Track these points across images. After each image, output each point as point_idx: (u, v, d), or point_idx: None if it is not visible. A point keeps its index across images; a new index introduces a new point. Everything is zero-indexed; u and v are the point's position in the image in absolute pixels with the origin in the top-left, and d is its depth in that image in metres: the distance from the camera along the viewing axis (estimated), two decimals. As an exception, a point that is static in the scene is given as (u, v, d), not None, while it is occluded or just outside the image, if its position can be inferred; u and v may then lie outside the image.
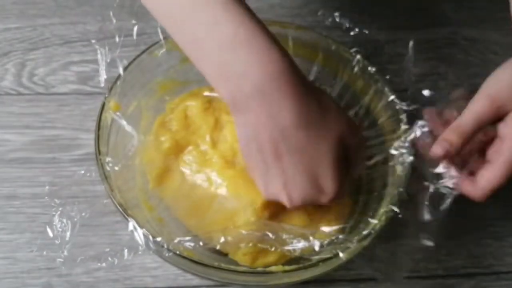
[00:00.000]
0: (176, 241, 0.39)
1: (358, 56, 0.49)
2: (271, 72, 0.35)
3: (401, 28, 0.63)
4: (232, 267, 0.39)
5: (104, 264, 0.46)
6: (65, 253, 0.46)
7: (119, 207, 0.40)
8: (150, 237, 0.38)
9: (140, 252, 0.45)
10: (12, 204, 0.48)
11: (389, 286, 0.47)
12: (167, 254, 0.39)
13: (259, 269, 0.40)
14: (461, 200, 0.52)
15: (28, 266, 0.46)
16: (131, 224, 0.39)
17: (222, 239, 0.39)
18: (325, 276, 0.46)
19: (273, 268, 0.40)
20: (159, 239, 0.38)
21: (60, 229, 0.47)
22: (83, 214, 0.48)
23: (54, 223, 0.47)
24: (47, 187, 0.49)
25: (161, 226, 0.44)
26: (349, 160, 0.39)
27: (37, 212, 0.48)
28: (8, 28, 0.59)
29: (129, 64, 0.46)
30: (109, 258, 0.46)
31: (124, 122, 0.45)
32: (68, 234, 0.47)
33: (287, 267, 0.39)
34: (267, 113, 0.35)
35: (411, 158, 0.43)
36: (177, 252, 0.38)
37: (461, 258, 0.49)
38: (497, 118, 0.41)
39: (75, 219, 0.48)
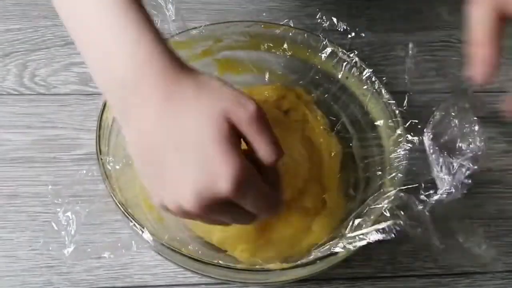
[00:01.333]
0: (175, 239, 0.39)
1: (355, 59, 0.50)
2: (141, 61, 0.32)
3: (397, 31, 0.64)
4: (231, 264, 0.39)
5: (104, 262, 0.46)
6: (66, 251, 0.47)
7: (119, 206, 0.40)
8: (150, 236, 0.39)
9: (140, 250, 0.46)
10: (13, 203, 0.49)
11: (386, 284, 0.48)
12: (166, 252, 0.39)
13: (258, 267, 0.41)
14: (456, 199, 0.53)
15: (28, 264, 0.46)
16: (131, 222, 0.39)
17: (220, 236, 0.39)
18: (323, 274, 0.47)
19: (271, 266, 0.40)
20: (159, 237, 0.39)
21: (61, 228, 0.48)
22: (83, 212, 0.49)
23: (55, 221, 0.48)
24: (48, 187, 0.50)
25: (161, 225, 0.44)
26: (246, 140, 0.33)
27: (38, 211, 0.48)
28: (9, 29, 0.60)
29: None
30: (109, 256, 0.47)
31: None
32: (68, 232, 0.48)
33: (285, 265, 0.40)
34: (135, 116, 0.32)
35: (406, 161, 0.43)
36: (177, 250, 0.38)
37: (457, 257, 0.49)
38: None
39: (76, 218, 0.48)
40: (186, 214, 0.32)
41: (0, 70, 0.57)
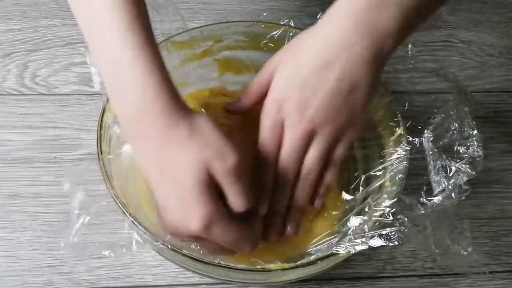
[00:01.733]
0: (176, 239, 0.39)
1: None
2: (147, 99, 0.36)
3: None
4: (231, 264, 0.39)
5: (105, 262, 0.46)
6: (67, 251, 0.47)
7: (120, 206, 0.40)
8: (151, 235, 0.39)
9: (141, 250, 0.46)
10: (15, 203, 0.49)
11: (387, 284, 0.48)
12: (167, 252, 0.39)
13: (258, 267, 0.41)
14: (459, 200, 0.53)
15: (29, 264, 0.46)
16: (132, 222, 0.39)
17: None
18: (323, 274, 0.47)
19: (271, 266, 0.40)
20: (160, 237, 0.39)
21: (62, 228, 0.48)
22: (84, 213, 0.49)
23: (56, 221, 0.48)
24: (49, 186, 0.50)
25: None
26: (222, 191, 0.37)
27: (39, 211, 0.49)
28: (10, 29, 0.60)
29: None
30: (110, 256, 0.47)
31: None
32: (69, 232, 0.48)
33: (286, 265, 0.40)
34: (141, 138, 0.37)
35: (406, 161, 0.43)
36: (177, 250, 0.38)
37: (450, 260, 0.49)
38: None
39: (77, 218, 0.48)
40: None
41: (0, 71, 0.57)
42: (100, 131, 0.43)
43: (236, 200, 0.37)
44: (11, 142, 0.52)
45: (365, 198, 0.46)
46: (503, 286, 0.49)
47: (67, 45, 0.59)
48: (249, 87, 0.43)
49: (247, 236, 0.38)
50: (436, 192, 0.40)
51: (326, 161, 0.41)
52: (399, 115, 0.46)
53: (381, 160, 0.47)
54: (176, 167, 0.36)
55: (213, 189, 0.36)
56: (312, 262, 0.39)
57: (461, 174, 0.40)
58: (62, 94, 0.56)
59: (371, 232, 0.40)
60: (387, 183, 0.44)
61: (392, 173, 0.44)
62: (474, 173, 0.40)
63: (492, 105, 0.59)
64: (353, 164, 0.50)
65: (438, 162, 0.41)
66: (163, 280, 0.46)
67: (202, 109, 0.47)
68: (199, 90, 0.50)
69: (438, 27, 0.65)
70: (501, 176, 0.55)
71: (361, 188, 0.47)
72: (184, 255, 0.38)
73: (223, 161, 0.36)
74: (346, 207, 0.46)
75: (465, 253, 0.38)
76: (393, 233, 0.38)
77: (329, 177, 0.42)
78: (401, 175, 0.43)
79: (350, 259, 0.46)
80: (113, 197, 0.41)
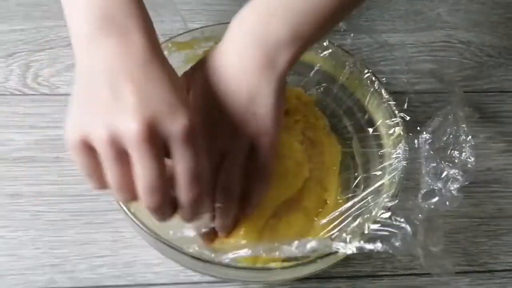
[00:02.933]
0: (177, 236, 0.40)
1: (355, 58, 0.50)
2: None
3: (397, 31, 0.64)
4: (232, 263, 0.39)
5: (107, 261, 0.47)
6: (69, 250, 0.47)
7: (121, 205, 0.40)
8: (152, 232, 0.39)
9: (143, 249, 0.46)
10: (17, 202, 0.49)
11: (386, 283, 0.48)
12: (168, 250, 0.40)
13: (258, 265, 0.41)
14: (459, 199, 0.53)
15: (32, 263, 0.46)
16: (133, 221, 0.40)
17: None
18: (323, 273, 0.47)
19: (271, 265, 0.40)
20: (161, 235, 0.39)
21: (66, 226, 0.48)
22: (86, 212, 0.49)
23: (58, 220, 0.49)
24: (51, 186, 0.50)
25: (164, 223, 0.45)
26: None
27: (41, 210, 0.49)
28: (13, 29, 0.60)
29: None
30: (112, 255, 0.47)
31: None
32: (71, 231, 0.48)
33: (285, 264, 0.40)
34: (119, 44, 0.34)
35: (406, 161, 0.44)
36: (177, 249, 0.39)
37: (456, 256, 0.50)
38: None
39: (79, 217, 0.49)
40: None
41: (3, 71, 0.57)
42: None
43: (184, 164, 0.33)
44: (13, 142, 0.53)
45: (364, 198, 0.46)
46: (502, 285, 0.49)
47: (70, 45, 0.58)
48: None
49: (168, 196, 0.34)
50: (423, 192, 0.41)
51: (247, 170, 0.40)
52: (399, 115, 0.46)
53: (381, 160, 0.47)
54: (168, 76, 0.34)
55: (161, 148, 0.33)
56: (312, 261, 0.40)
57: (452, 181, 0.40)
58: (64, 94, 0.56)
59: (368, 235, 0.40)
60: (387, 183, 0.45)
61: (391, 173, 0.45)
62: (467, 182, 0.40)
63: (491, 105, 0.60)
64: (353, 164, 0.51)
65: (431, 165, 0.41)
66: (164, 279, 0.46)
67: None
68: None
69: (438, 27, 0.65)
70: (500, 175, 0.55)
71: (361, 188, 0.48)
72: (184, 253, 0.39)
73: (174, 121, 0.32)
74: (347, 206, 0.47)
75: (434, 249, 0.39)
76: (390, 235, 0.39)
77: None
78: (400, 174, 0.44)
79: (349, 258, 0.47)
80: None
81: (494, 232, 0.51)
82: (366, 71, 0.49)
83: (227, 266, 0.39)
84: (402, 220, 0.39)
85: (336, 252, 0.39)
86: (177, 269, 0.47)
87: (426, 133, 0.43)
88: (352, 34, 0.57)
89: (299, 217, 0.45)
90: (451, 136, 0.42)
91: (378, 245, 0.38)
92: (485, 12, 0.67)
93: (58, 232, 0.48)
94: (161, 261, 0.47)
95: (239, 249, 0.39)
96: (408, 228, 0.38)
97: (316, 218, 0.46)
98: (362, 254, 0.48)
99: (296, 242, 0.38)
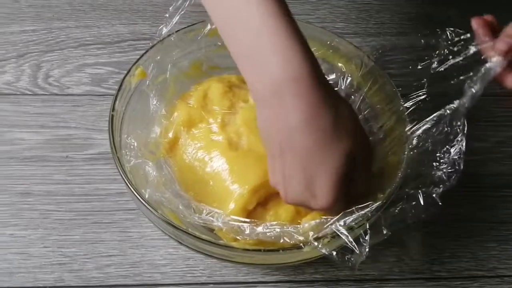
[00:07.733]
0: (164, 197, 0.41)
1: (366, 58, 0.50)
2: (290, 75, 0.36)
3: (407, 34, 0.64)
4: (197, 233, 0.39)
5: (114, 260, 0.47)
6: (77, 249, 0.47)
7: (137, 195, 0.40)
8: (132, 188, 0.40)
9: (150, 249, 0.46)
10: (26, 201, 0.50)
11: (393, 287, 0.48)
12: (146, 206, 0.40)
13: (221, 241, 0.41)
14: (466, 203, 0.53)
15: (40, 261, 0.47)
16: (144, 205, 0.40)
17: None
18: (330, 276, 0.47)
19: (234, 244, 0.40)
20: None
21: (74, 226, 0.49)
22: (94, 211, 0.50)
23: (66, 219, 0.49)
24: (60, 185, 0.51)
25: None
26: (352, 177, 0.39)
27: (50, 209, 0.49)
28: (24, 30, 0.61)
29: (165, 37, 0.48)
30: (120, 255, 0.47)
31: (151, 94, 0.47)
32: (80, 230, 0.48)
33: (248, 246, 0.40)
34: (278, 110, 0.37)
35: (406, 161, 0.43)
36: (189, 231, 0.39)
37: (465, 260, 0.49)
38: None
39: (87, 216, 0.49)
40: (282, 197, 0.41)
41: (14, 71, 0.58)
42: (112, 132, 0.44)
43: (361, 186, 0.40)
44: (23, 141, 0.53)
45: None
46: (511, 290, 0.49)
47: (80, 46, 0.60)
48: None
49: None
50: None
51: None
52: (399, 115, 0.46)
53: (381, 160, 0.47)
54: (320, 152, 0.37)
55: (347, 177, 0.38)
56: (274, 250, 0.39)
57: (434, 186, 0.40)
58: (74, 94, 0.57)
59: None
60: (386, 183, 0.44)
61: (391, 173, 0.44)
62: (445, 187, 0.40)
63: (503, 109, 0.59)
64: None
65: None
66: (171, 279, 0.46)
67: (226, 89, 0.48)
68: (228, 75, 0.51)
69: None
70: (511, 180, 0.54)
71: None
72: (195, 236, 0.39)
73: (363, 152, 0.39)
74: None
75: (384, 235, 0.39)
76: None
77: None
78: (400, 174, 0.43)
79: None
80: (129, 187, 0.41)
81: (504, 237, 0.51)
82: (377, 72, 0.49)
83: (193, 235, 0.39)
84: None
85: (301, 247, 0.39)
86: (184, 270, 0.47)
87: (423, 135, 0.43)
88: (363, 36, 0.57)
89: (288, 211, 0.45)
90: (443, 137, 0.42)
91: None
92: (496, 15, 0.66)
93: (66, 231, 0.48)
94: (168, 262, 0.47)
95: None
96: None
97: (304, 212, 0.45)
98: (369, 258, 0.48)
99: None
